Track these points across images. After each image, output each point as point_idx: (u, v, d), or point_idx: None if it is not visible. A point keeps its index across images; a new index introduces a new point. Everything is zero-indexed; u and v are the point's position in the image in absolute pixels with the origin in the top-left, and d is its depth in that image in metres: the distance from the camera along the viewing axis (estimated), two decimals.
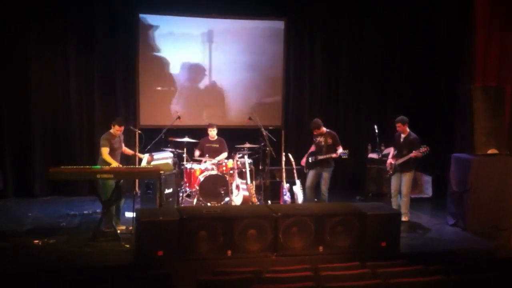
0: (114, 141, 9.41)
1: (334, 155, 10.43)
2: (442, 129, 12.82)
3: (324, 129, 10.64)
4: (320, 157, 10.50)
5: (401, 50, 13.52)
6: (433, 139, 12.83)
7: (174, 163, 10.94)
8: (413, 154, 9.97)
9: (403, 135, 10.35)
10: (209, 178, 10.85)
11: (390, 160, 10.49)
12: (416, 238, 9.43)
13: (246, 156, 11.10)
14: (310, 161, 10.66)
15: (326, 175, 10.56)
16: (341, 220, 8.08)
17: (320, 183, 10.60)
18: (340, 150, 10.43)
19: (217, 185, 10.85)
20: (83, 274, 7.38)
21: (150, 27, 12.56)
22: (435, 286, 5.86)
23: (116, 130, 9.43)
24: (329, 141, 10.54)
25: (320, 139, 10.62)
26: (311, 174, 10.67)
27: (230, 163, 11.10)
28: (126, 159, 11.05)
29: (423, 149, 9.87)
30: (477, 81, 10.27)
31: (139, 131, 10.25)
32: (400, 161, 10.20)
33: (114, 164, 9.08)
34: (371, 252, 8.03)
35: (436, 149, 12.59)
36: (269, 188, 11.30)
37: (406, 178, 10.23)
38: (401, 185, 10.28)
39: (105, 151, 9.22)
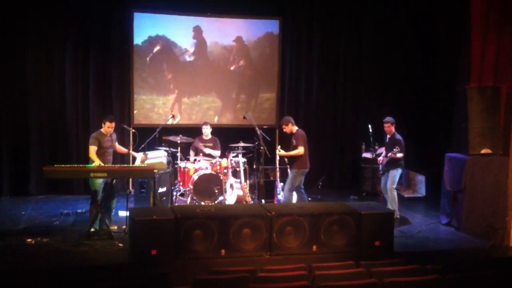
0: (104, 139, 9.31)
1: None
2: (439, 128, 12.83)
3: (293, 128, 10.50)
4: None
5: (399, 49, 13.54)
6: (431, 138, 12.93)
7: (168, 162, 10.91)
8: (389, 155, 10.19)
9: (388, 136, 10.50)
10: (203, 177, 10.84)
11: (380, 158, 10.64)
12: (410, 237, 9.44)
13: (240, 155, 11.09)
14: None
15: (289, 175, 10.46)
16: (335, 220, 8.08)
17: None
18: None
19: (211, 184, 10.84)
20: (78, 273, 7.37)
21: (145, 25, 12.52)
22: (430, 285, 5.86)
23: (107, 127, 9.30)
24: (294, 141, 10.46)
25: (292, 139, 10.59)
26: None
27: (224, 162, 11.08)
28: (120, 158, 11.05)
29: (395, 150, 10.05)
30: (474, 81, 10.25)
31: (133, 130, 10.22)
32: (385, 161, 10.43)
33: (97, 162, 8.98)
34: (365, 251, 8.04)
35: (433, 148, 12.68)
36: (263, 187, 11.28)
37: (389, 175, 10.38)
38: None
39: (92, 150, 9.13)
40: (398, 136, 10.40)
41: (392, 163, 10.27)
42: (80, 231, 8.94)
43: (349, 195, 12.47)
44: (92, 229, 8.81)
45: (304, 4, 13.28)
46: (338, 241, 8.08)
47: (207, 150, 11.39)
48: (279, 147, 10.70)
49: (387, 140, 10.57)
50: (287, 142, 11.12)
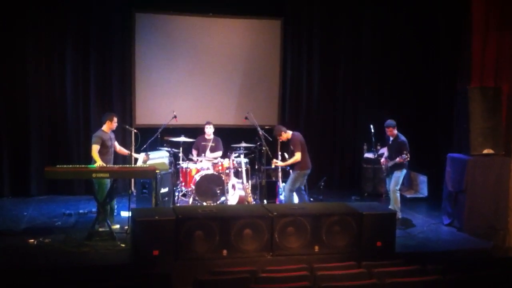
0: (107, 138, 9.38)
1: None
2: (440, 129, 12.82)
3: (288, 135, 10.52)
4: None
5: (399, 50, 13.53)
6: (431, 139, 12.91)
7: (170, 163, 10.92)
8: (398, 160, 10.10)
9: (391, 138, 10.48)
10: (205, 178, 10.84)
11: (383, 160, 10.62)
12: (411, 238, 9.44)
13: (242, 156, 11.09)
14: None
15: (291, 176, 10.54)
16: (337, 220, 8.07)
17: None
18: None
19: (213, 184, 10.83)
20: (79, 274, 7.37)
21: (146, 25, 12.53)
22: (432, 285, 5.87)
23: (115, 121, 9.47)
24: (291, 147, 10.52)
25: (290, 145, 10.63)
26: None
27: (226, 162, 11.08)
28: (122, 159, 11.05)
29: (404, 155, 9.98)
30: (474, 81, 10.25)
31: (135, 130, 10.23)
32: (390, 163, 10.38)
33: (99, 162, 9.03)
34: (367, 251, 8.03)
35: (433, 149, 12.65)
36: (265, 188, 11.26)
37: (394, 175, 10.37)
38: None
39: (95, 149, 9.18)
40: (402, 138, 10.34)
41: (397, 165, 10.25)
42: (82, 232, 8.94)
43: (350, 195, 12.46)
44: (101, 229, 8.85)
45: (304, 5, 13.27)
46: (340, 242, 8.08)
47: (210, 155, 11.37)
48: (274, 160, 10.70)
49: (390, 142, 10.54)
50: (287, 144, 11.18)
